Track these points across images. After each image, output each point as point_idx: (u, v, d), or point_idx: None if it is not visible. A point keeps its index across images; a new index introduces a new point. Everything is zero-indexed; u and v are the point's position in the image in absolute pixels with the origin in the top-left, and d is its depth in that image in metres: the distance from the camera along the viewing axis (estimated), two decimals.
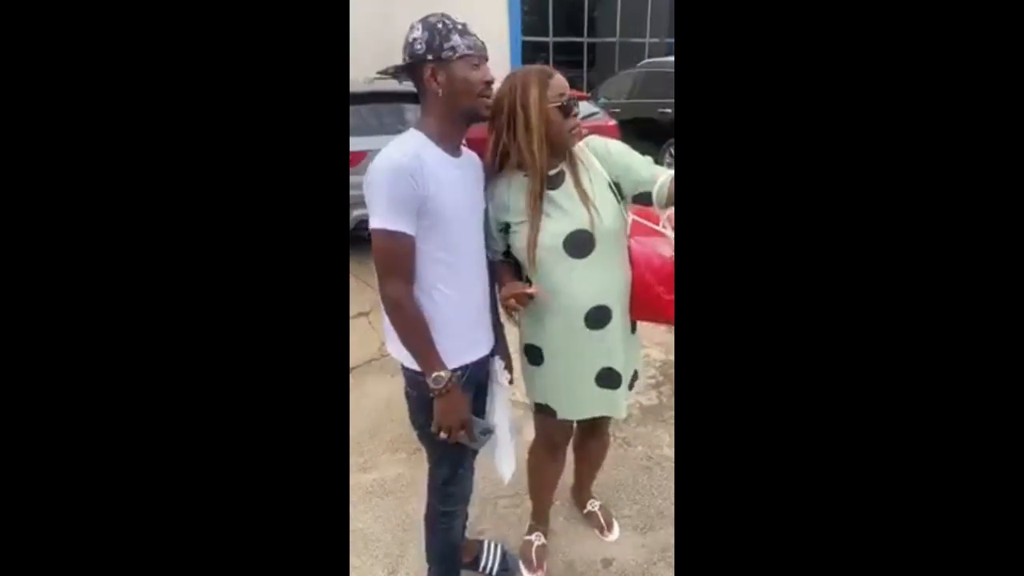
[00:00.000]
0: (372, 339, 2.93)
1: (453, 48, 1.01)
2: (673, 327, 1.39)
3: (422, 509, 1.62)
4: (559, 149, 1.15)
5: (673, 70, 6.39)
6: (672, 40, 10.46)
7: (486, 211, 1.19)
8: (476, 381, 1.22)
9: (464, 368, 1.15)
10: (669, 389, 2.43)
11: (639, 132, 6.09)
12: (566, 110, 1.11)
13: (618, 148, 1.22)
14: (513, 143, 1.12)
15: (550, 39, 9.64)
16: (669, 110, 6.22)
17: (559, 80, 1.13)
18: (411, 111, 3.97)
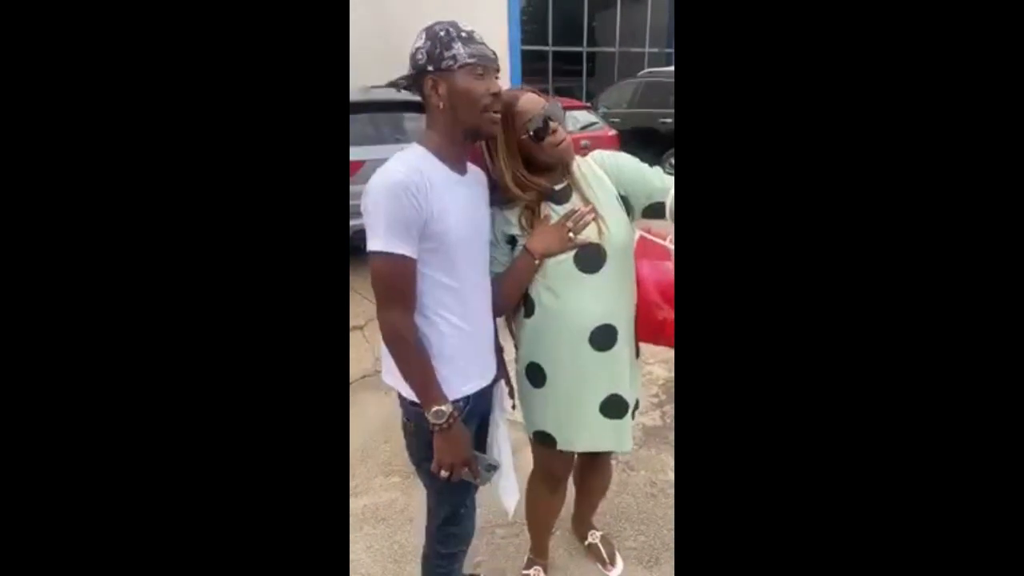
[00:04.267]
0: (366, 354, 2.84)
1: (454, 57, 0.93)
2: (671, 348, 1.34)
3: (415, 538, 1.53)
4: (555, 167, 1.10)
5: (673, 80, 6.38)
6: (671, 51, 10.48)
7: (491, 226, 1.13)
8: (479, 412, 1.14)
9: (466, 400, 1.07)
10: (673, 409, 2.35)
11: (639, 142, 6.04)
12: (539, 135, 1.05)
13: (628, 160, 1.18)
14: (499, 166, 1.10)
15: (549, 48, 9.63)
16: (669, 120, 6.18)
17: (524, 107, 1.06)
18: (409, 120, 3.92)
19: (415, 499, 1.87)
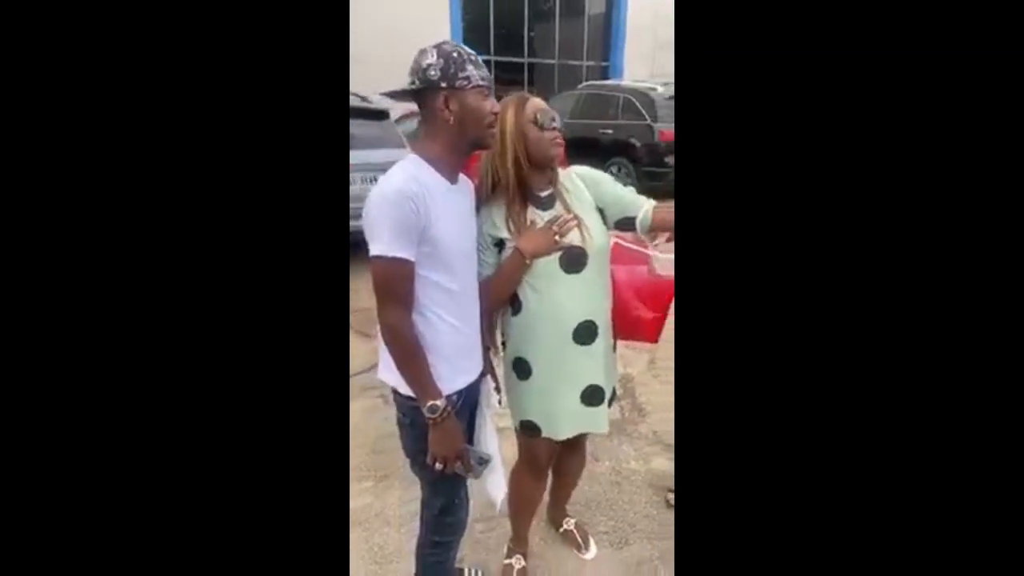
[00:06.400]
0: None
1: (468, 78, 1.03)
2: (646, 343, 1.47)
3: (393, 540, 1.54)
4: (542, 162, 1.21)
5: (612, 93, 6.67)
6: (607, 64, 10.93)
7: (479, 231, 1.22)
8: (468, 405, 1.22)
9: (458, 394, 1.15)
10: (629, 403, 2.50)
11: (581, 152, 6.25)
12: (541, 125, 1.18)
13: (605, 177, 1.32)
14: (493, 164, 1.20)
15: (492, 57, 9.79)
16: (611, 131, 6.46)
17: (534, 102, 1.21)
18: (357, 127, 3.94)
19: (389, 503, 1.90)
